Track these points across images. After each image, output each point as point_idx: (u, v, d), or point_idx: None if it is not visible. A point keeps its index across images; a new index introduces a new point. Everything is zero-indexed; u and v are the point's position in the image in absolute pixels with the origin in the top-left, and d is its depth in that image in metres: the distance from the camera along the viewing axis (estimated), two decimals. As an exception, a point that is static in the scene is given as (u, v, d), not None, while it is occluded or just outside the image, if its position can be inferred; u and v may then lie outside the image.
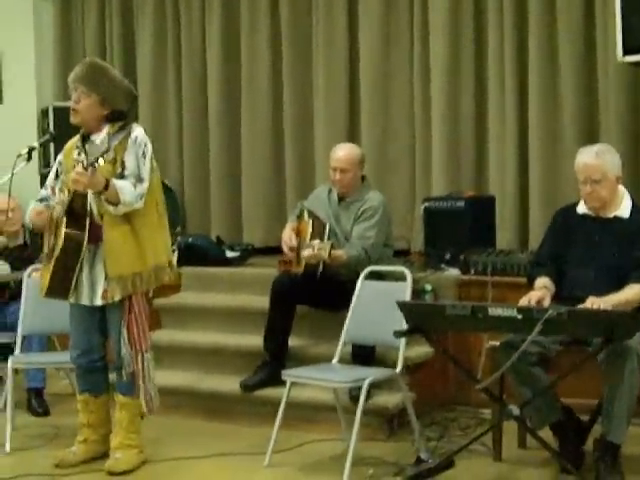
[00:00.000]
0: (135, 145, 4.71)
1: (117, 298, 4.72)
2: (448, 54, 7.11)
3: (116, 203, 4.59)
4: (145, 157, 4.73)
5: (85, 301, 4.80)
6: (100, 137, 4.75)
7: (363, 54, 7.51)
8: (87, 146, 4.79)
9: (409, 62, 7.40)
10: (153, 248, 4.79)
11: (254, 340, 5.85)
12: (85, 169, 4.42)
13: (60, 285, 4.75)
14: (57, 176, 4.94)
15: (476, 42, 7.12)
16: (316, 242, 5.35)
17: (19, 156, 4.78)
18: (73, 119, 4.79)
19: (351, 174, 5.73)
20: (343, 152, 5.80)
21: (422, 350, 5.60)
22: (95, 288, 4.76)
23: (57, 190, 4.89)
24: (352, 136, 7.41)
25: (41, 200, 4.91)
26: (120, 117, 4.81)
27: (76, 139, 4.91)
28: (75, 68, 4.87)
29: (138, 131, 4.79)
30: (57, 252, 4.66)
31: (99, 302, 4.77)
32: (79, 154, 4.79)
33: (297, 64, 7.81)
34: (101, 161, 4.43)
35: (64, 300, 4.86)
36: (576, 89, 6.68)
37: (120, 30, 8.59)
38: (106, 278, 4.71)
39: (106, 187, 4.51)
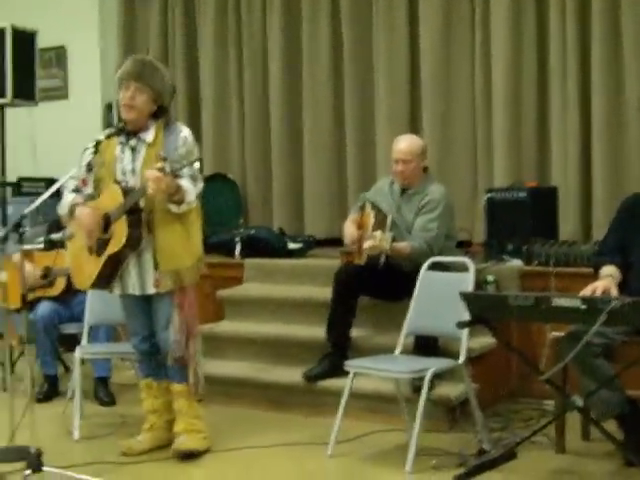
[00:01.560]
0: (186, 145, 4.77)
1: (169, 288, 4.80)
2: (510, 42, 7.06)
3: (180, 202, 4.66)
4: (194, 156, 4.77)
5: (133, 290, 4.87)
6: (149, 134, 4.81)
7: (424, 45, 7.48)
8: (132, 142, 4.83)
9: (470, 54, 7.35)
10: (197, 242, 4.90)
11: (317, 331, 5.88)
12: (166, 175, 4.48)
13: (108, 277, 4.85)
14: (89, 168, 4.91)
15: (538, 29, 7.06)
16: (378, 233, 5.35)
17: (86, 149, 4.83)
18: (127, 115, 4.81)
19: (413, 165, 5.72)
20: (405, 143, 5.80)
21: (484, 341, 5.59)
22: (144, 277, 4.82)
23: (90, 182, 4.91)
24: (413, 128, 7.40)
25: (75, 191, 4.95)
26: (164, 113, 4.89)
27: (109, 132, 4.92)
28: (125, 64, 4.89)
29: (186, 131, 4.86)
30: (116, 249, 4.72)
31: (151, 291, 4.83)
32: (122, 150, 4.84)
33: (358, 56, 7.80)
34: (185, 171, 4.56)
35: (107, 291, 4.96)
36: (641, 78, 6.60)
37: (183, 26, 8.66)
38: (156, 268, 4.78)
39: (177, 190, 4.60)
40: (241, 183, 8.31)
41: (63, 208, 4.97)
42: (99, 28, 9.04)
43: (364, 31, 7.79)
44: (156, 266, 4.77)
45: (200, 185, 4.76)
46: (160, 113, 4.86)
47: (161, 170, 4.48)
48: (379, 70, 7.69)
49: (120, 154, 4.83)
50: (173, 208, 4.68)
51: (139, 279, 4.83)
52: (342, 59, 7.89)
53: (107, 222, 4.76)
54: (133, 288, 4.86)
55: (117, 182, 4.82)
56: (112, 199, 4.77)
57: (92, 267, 4.85)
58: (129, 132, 4.85)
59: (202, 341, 5.04)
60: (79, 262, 4.97)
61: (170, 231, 4.75)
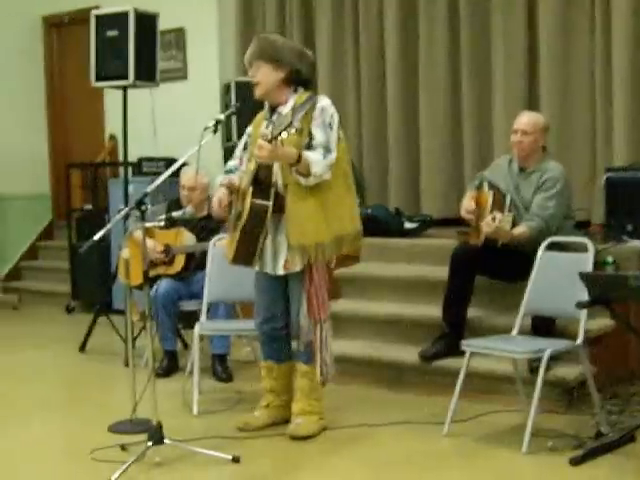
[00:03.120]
0: (322, 115, 4.74)
1: (297, 269, 4.80)
2: (631, 19, 6.87)
3: (307, 175, 4.65)
4: (332, 127, 4.76)
5: (268, 269, 4.91)
6: (287, 108, 4.80)
7: (542, 24, 7.35)
8: (274, 117, 4.86)
9: (589, 31, 7.19)
10: (339, 219, 4.82)
11: (433, 311, 5.87)
12: (269, 142, 4.50)
13: (246, 253, 4.86)
14: (245, 147, 5.06)
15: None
16: (498, 215, 5.30)
17: (206, 129, 4.87)
18: (256, 92, 4.87)
19: (532, 138, 5.64)
20: (527, 117, 5.75)
21: (602, 322, 5.49)
22: (277, 258, 4.85)
23: (245, 160, 5.02)
24: (531, 106, 7.27)
25: (228, 171, 5.05)
26: (306, 85, 4.89)
27: (265, 111, 5.00)
28: (249, 47, 4.93)
29: (325, 102, 4.81)
30: (243, 221, 4.76)
31: (281, 272, 4.86)
32: (267, 126, 4.87)
33: (475, 34, 7.72)
34: (284, 134, 4.46)
35: (249, 267, 4.98)
36: None
37: (300, 6, 8.69)
38: (288, 248, 4.79)
39: (298, 160, 4.59)
40: (357, 162, 8.32)
41: (214, 188, 5.09)
42: (217, 10, 9.17)
43: (482, 12, 7.69)
44: (288, 246, 4.78)
45: (331, 156, 4.70)
46: (297, 81, 4.86)
47: (264, 137, 4.51)
48: (497, 50, 7.58)
49: (264, 130, 4.86)
50: (301, 180, 4.67)
51: (273, 259, 4.87)
52: (459, 39, 7.81)
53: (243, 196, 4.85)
54: (268, 267, 4.90)
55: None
56: (248, 174, 4.85)
57: (232, 242, 4.92)
58: (273, 108, 4.90)
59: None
60: (230, 238, 5.04)
61: (302, 205, 4.72)
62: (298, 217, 4.73)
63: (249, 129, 5.07)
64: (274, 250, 4.85)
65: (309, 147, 4.68)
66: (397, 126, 8.15)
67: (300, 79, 4.87)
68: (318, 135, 4.71)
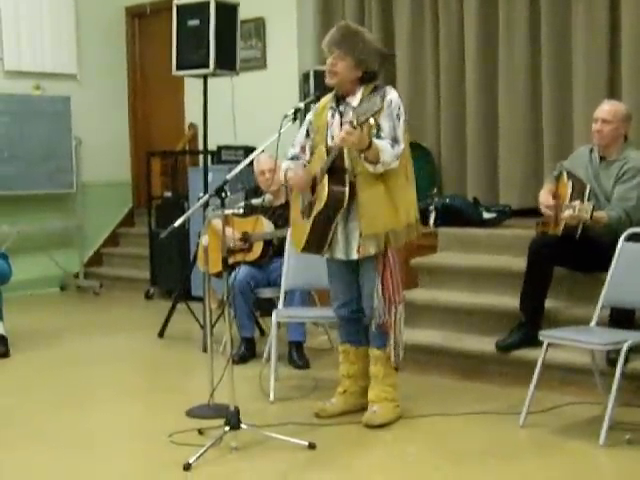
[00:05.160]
0: (390, 107, 4.76)
1: (372, 253, 4.84)
2: None
3: (375, 162, 4.68)
4: (399, 119, 4.79)
5: (340, 255, 4.93)
6: (356, 99, 4.84)
7: (625, 10, 7.23)
8: (341, 107, 4.90)
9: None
10: (405, 207, 4.87)
11: (510, 301, 5.84)
12: (354, 127, 4.51)
13: (318, 241, 4.91)
14: (307, 135, 5.09)
15: None
16: (577, 203, 5.25)
17: (285, 117, 4.92)
18: (329, 80, 4.89)
19: (612, 127, 5.57)
20: (609, 105, 5.68)
21: (684, 315, 5.42)
22: (350, 243, 4.88)
23: (307, 148, 5.05)
24: (612, 95, 7.16)
25: (292, 158, 5.09)
26: (372, 78, 4.90)
27: (326, 100, 5.03)
28: (330, 32, 4.95)
29: (393, 94, 4.84)
30: (319, 208, 4.78)
31: (355, 256, 4.89)
32: (333, 115, 4.92)
33: (555, 25, 7.60)
34: (372, 120, 4.51)
35: (319, 255, 5.02)
36: None
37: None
38: (361, 235, 4.82)
39: (369, 146, 4.61)
40: (436, 152, 8.30)
41: (280, 174, 5.12)
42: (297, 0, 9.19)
43: (562, 3, 7.59)
44: (360, 232, 4.82)
45: (399, 147, 4.74)
46: (368, 78, 4.89)
47: (350, 123, 4.53)
48: (577, 39, 7.46)
49: (330, 119, 4.92)
50: (369, 167, 4.70)
51: (345, 245, 4.89)
52: (539, 24, 7.70)
53: (314, 183, 4.86)
54: (340, 253, 4.93)
55: (327, 146, 4.89)
56: (319, 161, 4.87)
57: (304, 230, 4.95)
58: (339, 97, 4.93)
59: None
60: (296, 226, 5.11)
61: (372, 194, 4.77)
62: (370, 206, 4.78)
63: (309, 117, 5.10)
64: (345, 236, 4.88)
65: (377, 138, 4.70)
66: (476, 115, 8.08)
67: (373, 77, 4.92)
68: (386, 126, 4.74)
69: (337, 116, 4.91)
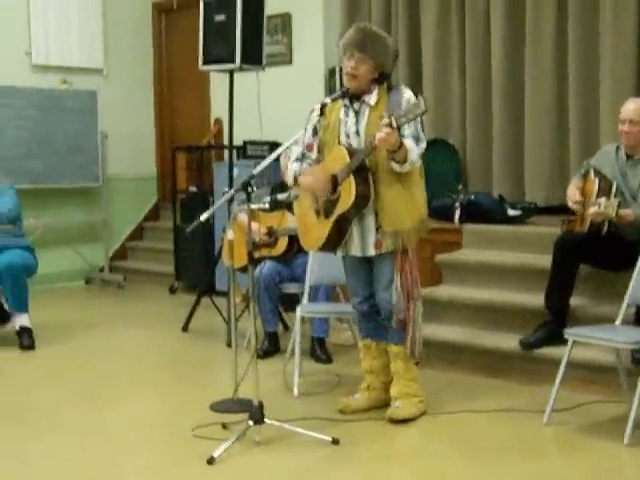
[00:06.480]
0: (409, 106, 4.77)
1: (389, 249, 4.85)
2: None
3: (403, 162, 4.68)
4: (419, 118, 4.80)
5: (356, 252, 4.94)
6: (373, 98, 4.85)
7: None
8: (356, 105, 4.89)
9: None
10: (419, 203, 4.90)
11: (535, 298, 5.83)
12: (393, 128, 4.51)
13: (336, 240, 4.94)
14: (315, 133, 5.04)
15: None
16: (602, 200, 5.23)
17: (312, 111, 4.94)
18: (350, 83, 4.86)
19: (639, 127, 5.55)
20: (635, 104, 5.63)
21: None
22: (366, 239, 4.88)
23: (315, 147, 5.03)
24: (639, 92, 7.14)
25: (299, 159, 5.06)
26: (387, 77, 4.92)
27: (334, 96, 5.00)
28: (348, 33, 4.93)
29: (409, 93, 4.85)
30: (346, 207, 4.78)
31: (372, 252, 4.89)
32: (346, 113, 4.91)
33: (583, 19, 7.55)
34: (408, 131, 4.62)
35: (333, 253, 5.04)
36: None
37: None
38: (377, 230, 4.83)
39: (399, 147, 4.62)
40: (461, 149, 8.28)
41: (289, 178, 5.12)
42: (323, -5, 9.20)
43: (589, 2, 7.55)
44: (377, 227, 4.83)
45: (422, 145, 4.77)
46: (382, 77, 4.90)
47: (389, 125, 4.53)
48: (604, 36, 7.42)
49: (344, 117, 4.92)
50: (396, 167, 4.71)
51: (361, 241, 4.90)
52: (566, 22, 7.65)
53: (335, 183, 4.85)
54: (355, 249, 4.94)
55: (348, 145, 4.89)
56: (337, 160, 4.85)
57: (321, 229, 4.95)
58: (352, 96, 4.92)
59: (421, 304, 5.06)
60: (306, 225, 5.11)
61: (393, 191, 4.79)
62: (391, 204, 4.79)
63: (315, 115, 5.02)
64: (361, 232, 4.89)
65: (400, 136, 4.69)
66: (501, 112, 8.05)
67: (387, 76, 4.93)
68: (406, 126, 4.71)
69: (351, 114, 4.90)
